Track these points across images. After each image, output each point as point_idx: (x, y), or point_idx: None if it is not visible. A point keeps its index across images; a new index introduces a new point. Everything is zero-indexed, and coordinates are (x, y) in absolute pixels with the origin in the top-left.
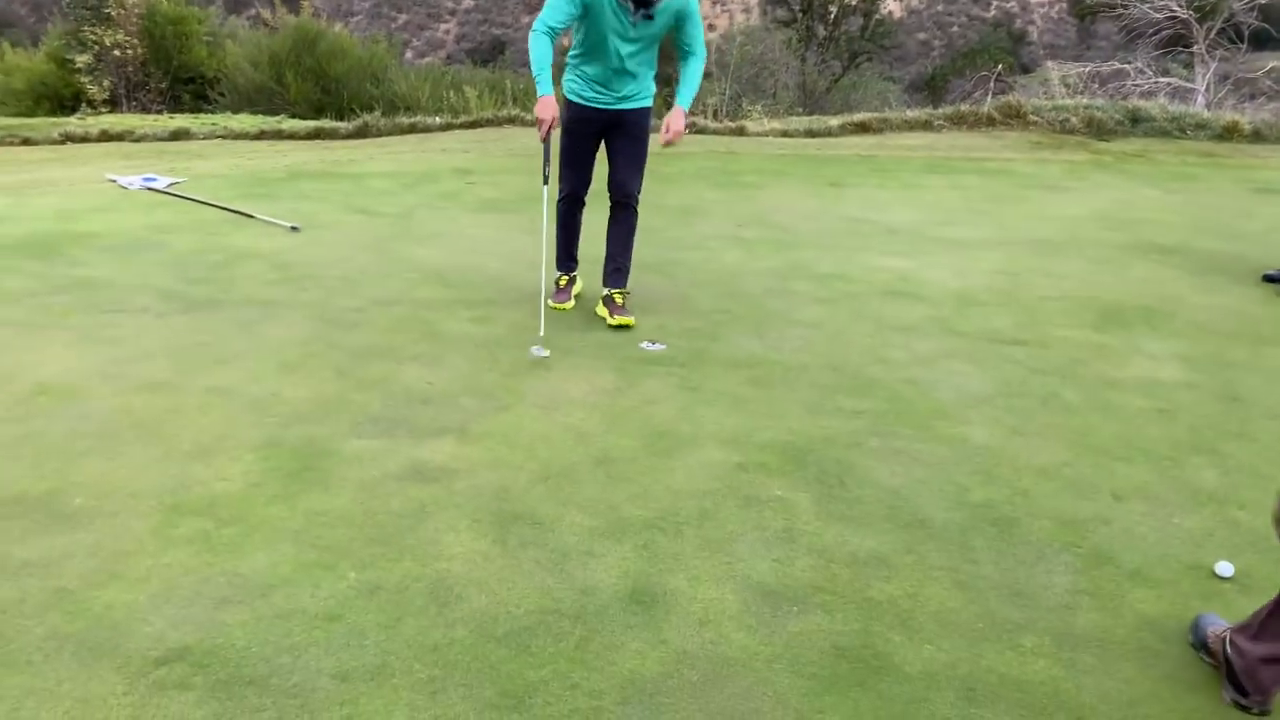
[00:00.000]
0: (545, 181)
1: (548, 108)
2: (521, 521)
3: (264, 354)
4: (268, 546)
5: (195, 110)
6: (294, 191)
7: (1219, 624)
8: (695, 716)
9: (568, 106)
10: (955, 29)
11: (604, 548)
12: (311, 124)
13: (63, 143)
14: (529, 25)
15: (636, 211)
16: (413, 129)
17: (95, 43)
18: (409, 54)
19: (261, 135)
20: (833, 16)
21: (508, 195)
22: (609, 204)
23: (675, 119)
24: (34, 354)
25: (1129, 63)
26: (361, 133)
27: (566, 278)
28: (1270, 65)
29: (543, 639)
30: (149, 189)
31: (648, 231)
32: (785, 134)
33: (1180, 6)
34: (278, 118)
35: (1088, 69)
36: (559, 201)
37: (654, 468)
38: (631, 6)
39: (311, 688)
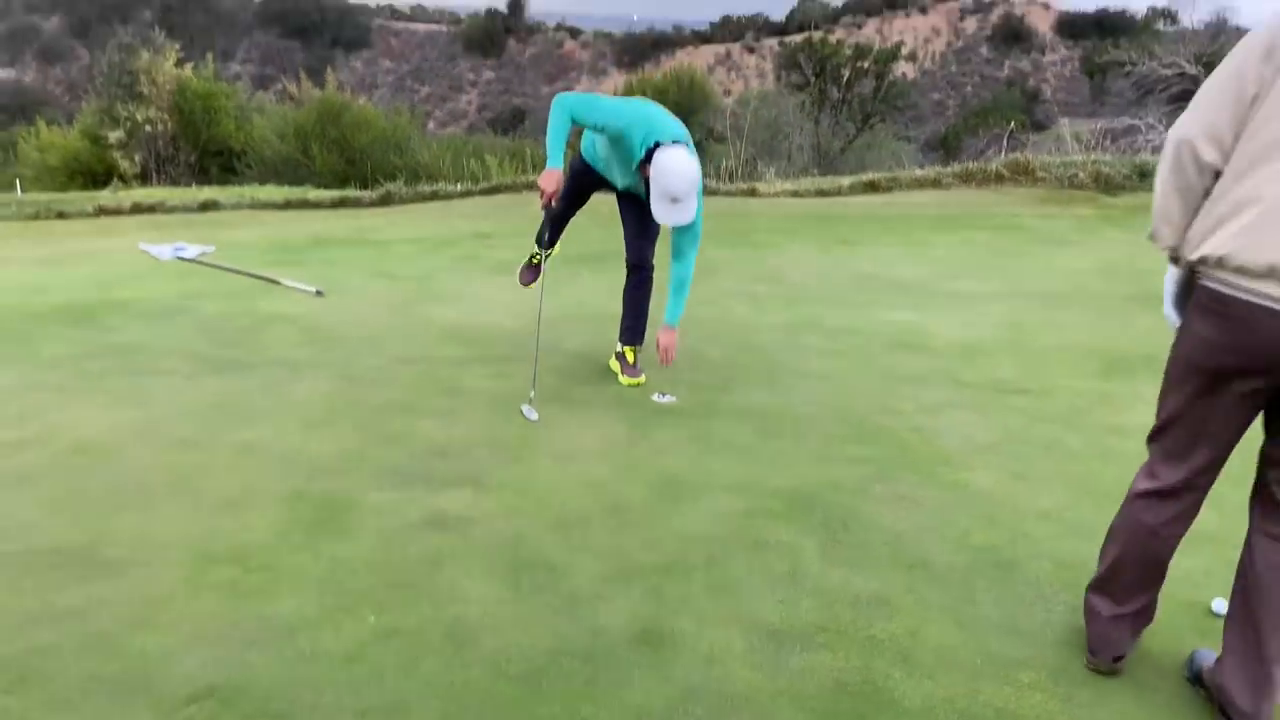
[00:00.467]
0: (542, 245)
1: (551, 180)
2: (535, 567)
3: (289, 412)
4: (293, 592)
5: (223, 182)
6: (319, 258)
7: (1214, 659)
8: None
9: (579, 159)
10: (969, 89)
11: (614, 591)
12: (336, 193)
13: (97, 216)
14: (549, 96)
15: (650, 277)
16: (434, 196)
17: (128, 119)
18: (431, 124)
19: (288, 205)
20: (846, 79)
21: (524, 257)
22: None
23: (665, 337)
24: (72, 415)
25: (1140, 119)
26: (385, 201)
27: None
28: None
29: (553, 677)
30: (180, 258)
31: (660, 290)
32: (796, 194)
33: (1188, 63)
34: (303, 188)
35: (1100, 125)
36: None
37: (664, 515)
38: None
39: None
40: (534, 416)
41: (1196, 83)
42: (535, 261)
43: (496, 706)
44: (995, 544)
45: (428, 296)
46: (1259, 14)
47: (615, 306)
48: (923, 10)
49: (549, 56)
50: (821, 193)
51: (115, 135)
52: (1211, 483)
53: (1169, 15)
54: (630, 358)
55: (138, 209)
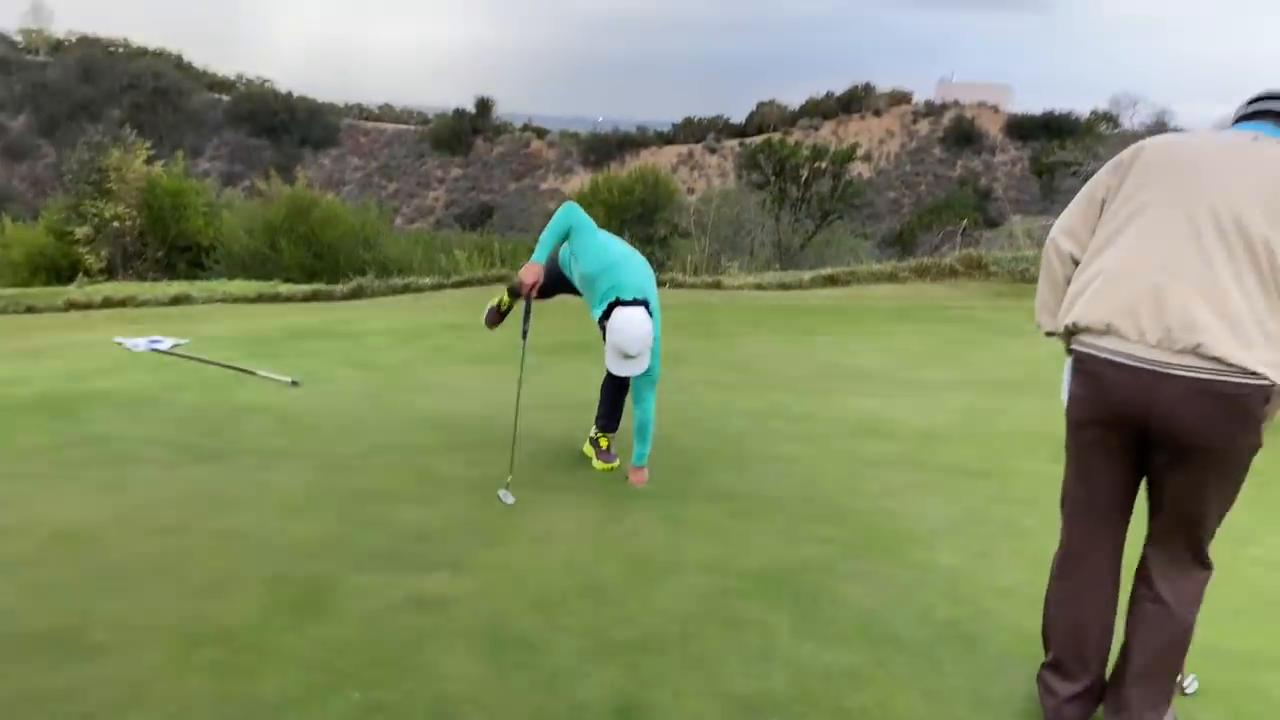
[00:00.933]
0: (524, 336)
1: (532, 273)
2: (515, 645)
3: (269, 499)
4: (279, 672)
5: (191, 277)
6: (294, 349)
7: None
8: None
9: (557, 265)
10: (923, 187)
11: (593, 667)
12: (308, 287)
13: (66, 310)
14: (516, 193)
15: (629, 381)
16: (406, 289)
17: (96, 215)
18: (399, 220)
19: (260, 298)
20: (804, 179)
21: (496, 348)
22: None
23: (635, 476)
24: (52, 504)
25: None
26: (357, 294)
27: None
28: None
29: None
30: (154, 350)
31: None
32: (760, 287)
33: None
34: (273, 282)
35: (1049, 222)
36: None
37: (639, 593)
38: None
39: None
40: (510, 500)
41: None
42: (503, 309)
43: None
44: (959, 618)
45: (403, 386)
46: (1193, 117)
47: (589, 394)
48: (877, 113)
49: (516, 155)
50: (784, 286)
51: (83, 231)
52: (1116, 545)
53: (1111, 118)
54: (604, 443)
55: (108, 303)
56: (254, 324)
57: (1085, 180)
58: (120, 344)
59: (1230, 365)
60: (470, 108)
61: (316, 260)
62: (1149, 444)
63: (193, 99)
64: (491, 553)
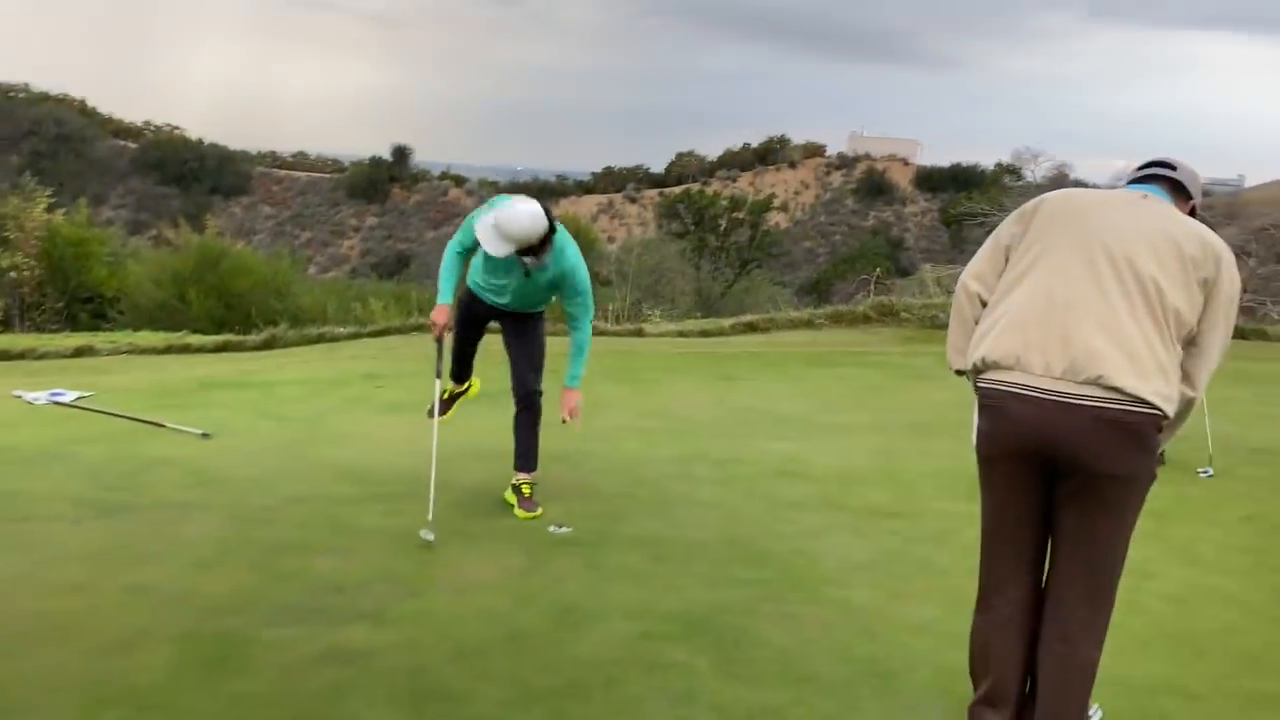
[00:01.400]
0: (438, 375)
1: (441, 314)
2: (436, 697)
3: (180, 553)
4: None
5: (93, 329)
6: (204, 401)
7: None
8: None
9: (467, 291)
10: (837, 237)
11: (515, 716)
12: (219, 338)
13: None
14: (434, 241)
15: (538, 405)
16: (321, 339)
17: None
18: (313, 269)
19: (168, 349)
20: (723, 228)
21: (414, 397)
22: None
23: (568, 397)
24: None
25: None
26: (270, 344)
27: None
28: None
29: None
30: (56, 403)
31: (555, 426)
32: (681, 334)
33: None
34: (182, 333)
35: (958, 270)
36: (456, 356)
37: (562, 641)
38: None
39: None
40: (431, 537)
41: None
42: (445, 396)
43: None
44: (876, 656)
45: (318, 437)
46: (1091, 169)
47: (509, 442)
48: (792, 165)
49: (434, 203)
50: (704, 333)
51: None
52: (1034, 579)
53: (1014, 171)
54: (526, 490)
55: (6, 355)
56: (162, 375)
57: (991, 230)
58: (19, 397)
59: (1129, 395)
60: (387, 155)
61: (227, 311)
62: (1056, 475)
63: (97, 146)
64: (412, 603)
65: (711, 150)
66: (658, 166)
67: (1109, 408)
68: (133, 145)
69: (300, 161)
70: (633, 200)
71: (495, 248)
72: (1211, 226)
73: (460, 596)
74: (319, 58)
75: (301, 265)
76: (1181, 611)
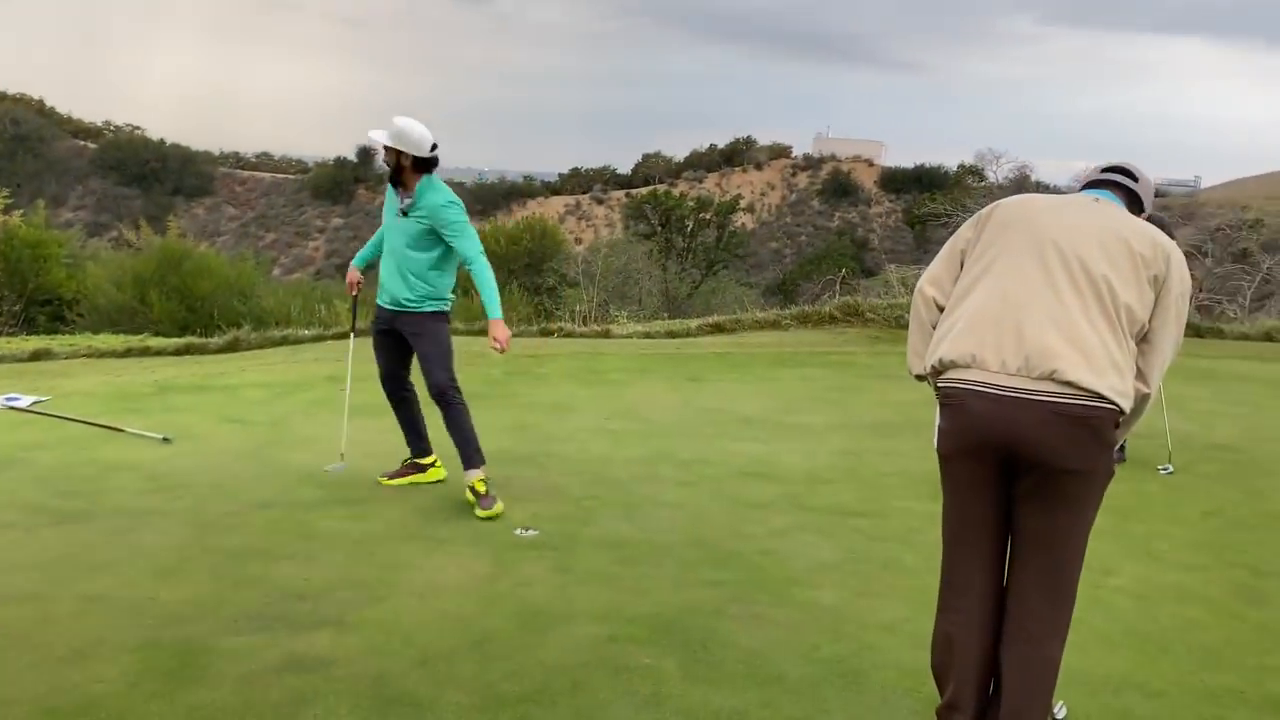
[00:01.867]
0: (353, 331)
1: (350, 273)
2: (400, 704)
3: (138, 560)
4: None
5: (52, 332)
6: (165, 405)
7: None
8: None
9: (374, 314)
10: (803, 238)
11: None
12: (180, 340)
13: None
14: None
15: (457, 397)
16: (284, 341)
17: None
18: (277, 270)
19: (128, 353)
20: (689, 229)
21: (380, 399)
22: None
23: (495, 329)
24: None
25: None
26: (232, 347)
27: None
28: None
29: None
30: (11, 408)
31: (522, 428)
32: (648, 335)
33: None
34: (142, 336)
35: (923, 270)
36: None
37: (528, 645)
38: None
39: None
40: (341, 467)
41: None
42: (405, 463)
43: None
44: (843, 656)
45: (281, 441)
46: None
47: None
48: (758, 166)
49: None
50: (671, 334)
51: None
52: (996, 577)
53: (977, 172)
54: (480, 488)
55: None
56: (122, 379)
57: (955, 230)
58: None
59: (1084, 390)
60: (352, 156)
61: (189, 313)
62: (1015, 473)
63: (55, 146)
64: (375, 610)
65: (678, 151)
66: (624, 168)
67: (1066, 403)
68: (92, 145)
69: (264, 162)
70: (600, 201)
71: (379, 134)
72: (1169, 227)
73: (425, 601)
74: (283, 58)
75: (265, 267)
76: (1142, 608)
